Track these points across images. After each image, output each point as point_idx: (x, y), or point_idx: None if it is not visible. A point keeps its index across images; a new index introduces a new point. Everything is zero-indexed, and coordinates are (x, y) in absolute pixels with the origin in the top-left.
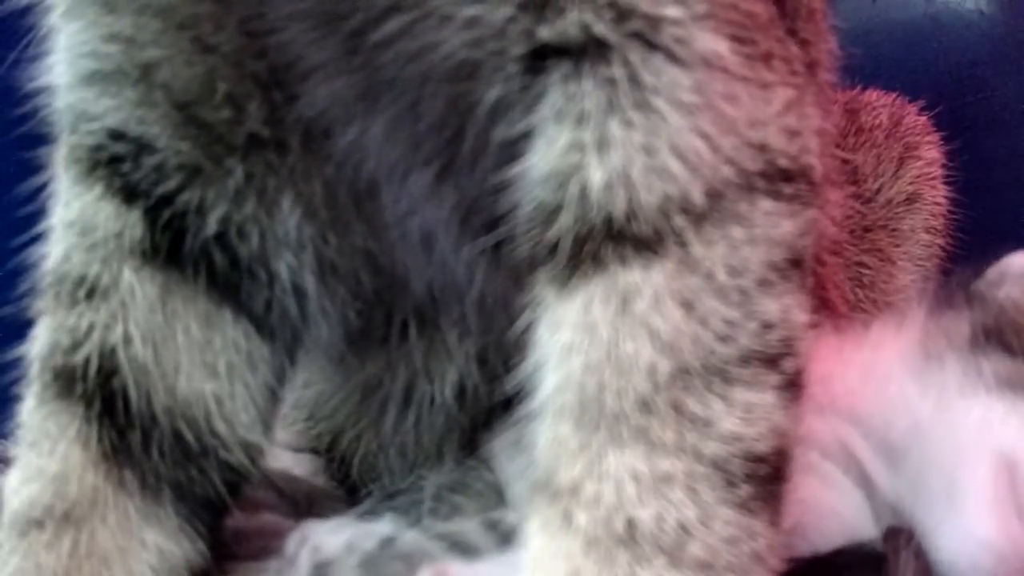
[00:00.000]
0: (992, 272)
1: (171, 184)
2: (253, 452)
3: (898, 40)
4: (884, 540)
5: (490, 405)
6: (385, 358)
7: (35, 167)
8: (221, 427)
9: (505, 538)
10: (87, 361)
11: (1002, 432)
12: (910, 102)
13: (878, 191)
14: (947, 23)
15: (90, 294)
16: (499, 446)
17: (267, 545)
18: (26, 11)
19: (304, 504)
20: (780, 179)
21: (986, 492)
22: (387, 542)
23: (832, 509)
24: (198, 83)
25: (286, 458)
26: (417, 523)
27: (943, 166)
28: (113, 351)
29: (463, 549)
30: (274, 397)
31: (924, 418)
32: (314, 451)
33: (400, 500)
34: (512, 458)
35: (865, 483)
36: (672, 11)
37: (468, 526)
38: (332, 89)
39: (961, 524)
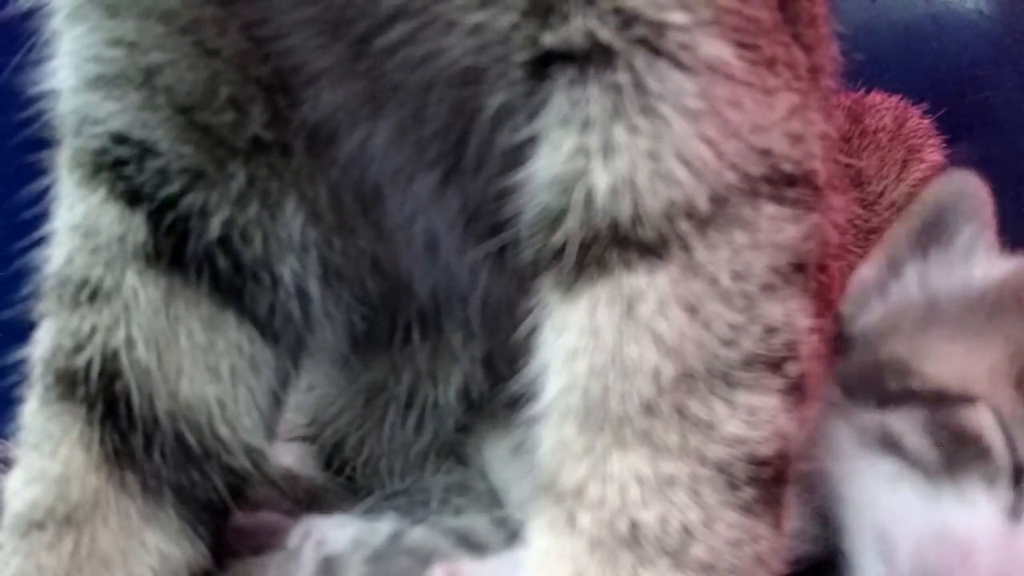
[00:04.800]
0: (849, 303)
1: (174, 187)
2: (255, 455)
3: (897, 40)
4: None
5: (493, 409)
6: (389, 361)
7: (38, 170)
8: (223, 430)
9: (513, 535)
10: (89, 364)
11: (875, 505)
12: (911, 103)
13: (881, 194)
14: (947, 24)
15: (93, 297)
16: (495, 452)
17: (268, 541)
18: (29, 15)
19: (305, 502)
20: (784, 184)
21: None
22: (395, 537)
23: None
24: (200, 87)
25: (288, 457)
26: (423, 521)
27: (945, 168)
28: (116, 354)
29: (472, 545)
30: (277, 401)
31: (831, 483)
32: (315, 451)
33: (401, 500)
34: (508, 463)
35: None
36: (677, 17)
37: (477, 522)
38: (337, 94)
39: None
